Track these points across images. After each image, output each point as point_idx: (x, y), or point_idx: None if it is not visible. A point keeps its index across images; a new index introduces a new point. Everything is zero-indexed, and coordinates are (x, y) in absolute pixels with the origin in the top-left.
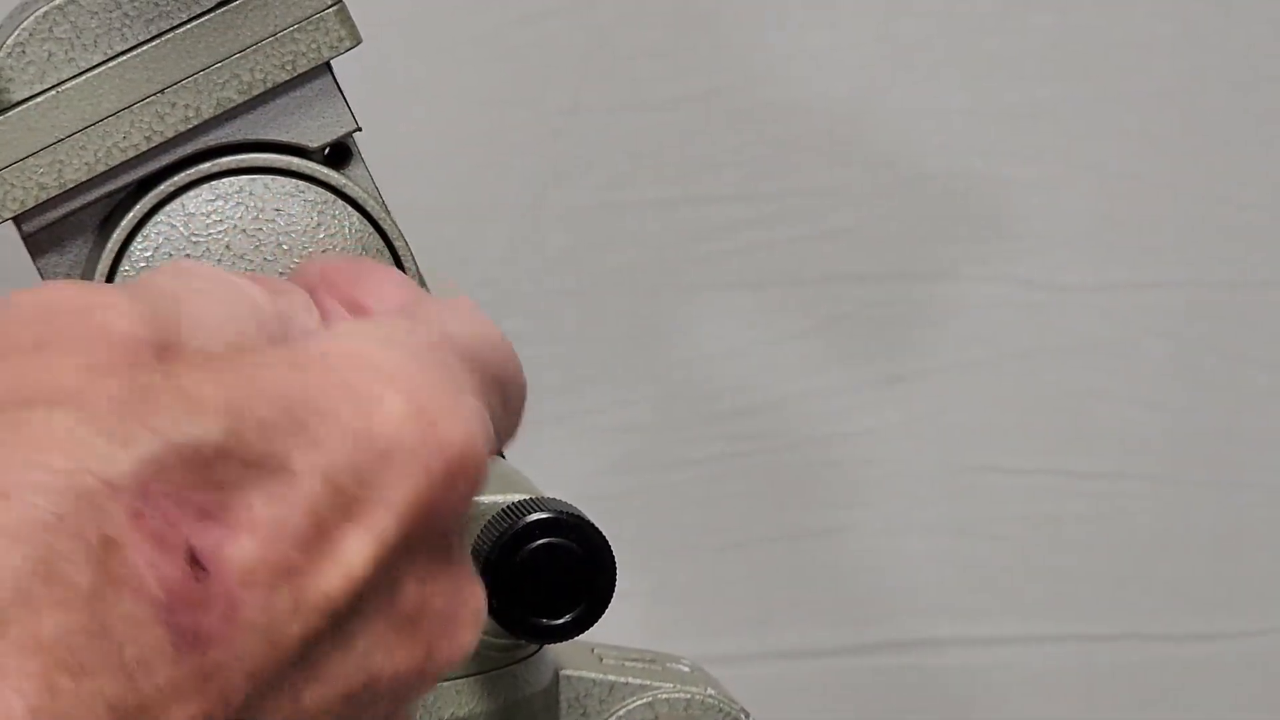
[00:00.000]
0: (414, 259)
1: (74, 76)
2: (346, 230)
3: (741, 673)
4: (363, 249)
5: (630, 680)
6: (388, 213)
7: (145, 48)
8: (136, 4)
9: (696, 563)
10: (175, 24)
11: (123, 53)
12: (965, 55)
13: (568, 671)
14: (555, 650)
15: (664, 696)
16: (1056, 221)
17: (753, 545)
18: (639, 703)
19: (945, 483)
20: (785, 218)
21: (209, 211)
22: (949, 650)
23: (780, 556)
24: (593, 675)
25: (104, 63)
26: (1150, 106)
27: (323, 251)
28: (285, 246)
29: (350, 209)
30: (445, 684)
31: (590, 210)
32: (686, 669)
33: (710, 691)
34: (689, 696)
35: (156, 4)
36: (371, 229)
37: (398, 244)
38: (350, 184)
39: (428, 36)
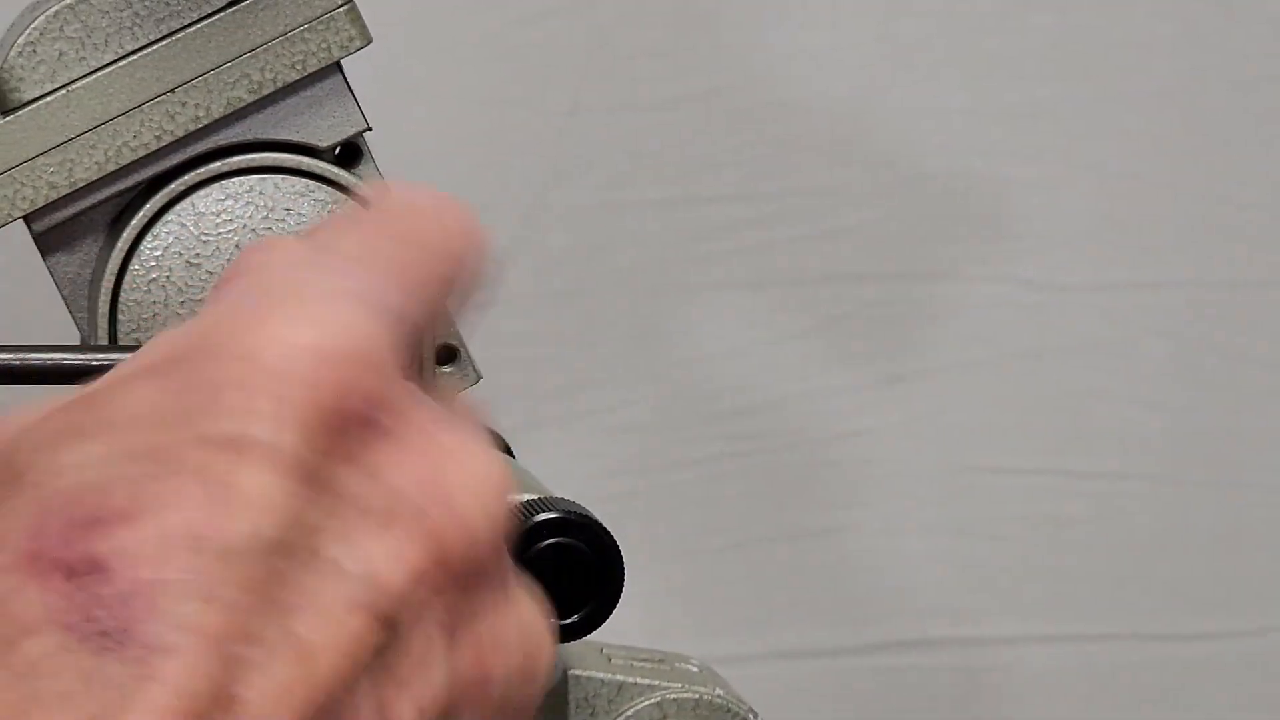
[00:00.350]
0: None
1: (84, 76)
2: None
3: (741, 673)
4: None
5: (639, 680)
6: None
7: (156, 47)
8: (147, 3)
9: (696, 563)
10: (186, 23)
11: (133, 52)
12: (965, 55)
13: (576, 671)
14: (563, 650)
15: (672, 697)
16: (1057, 221)
17: (752, 545)
18: (647, 703)
19: (945, 483)
20: (785, 218)
21: (219, 211)
22: (948, 650)
23: (780, 556)
24: (601, 675)
25: (114, 62)
26: (1151, 106)
27: None
28: None
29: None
30: None
31: (590, 210)
32: (695, 669)
33: (719, 691)
34: (697, 697)
35: (167, 3)
36: None
37: None
38: (361, 183)
39: (428, 37)
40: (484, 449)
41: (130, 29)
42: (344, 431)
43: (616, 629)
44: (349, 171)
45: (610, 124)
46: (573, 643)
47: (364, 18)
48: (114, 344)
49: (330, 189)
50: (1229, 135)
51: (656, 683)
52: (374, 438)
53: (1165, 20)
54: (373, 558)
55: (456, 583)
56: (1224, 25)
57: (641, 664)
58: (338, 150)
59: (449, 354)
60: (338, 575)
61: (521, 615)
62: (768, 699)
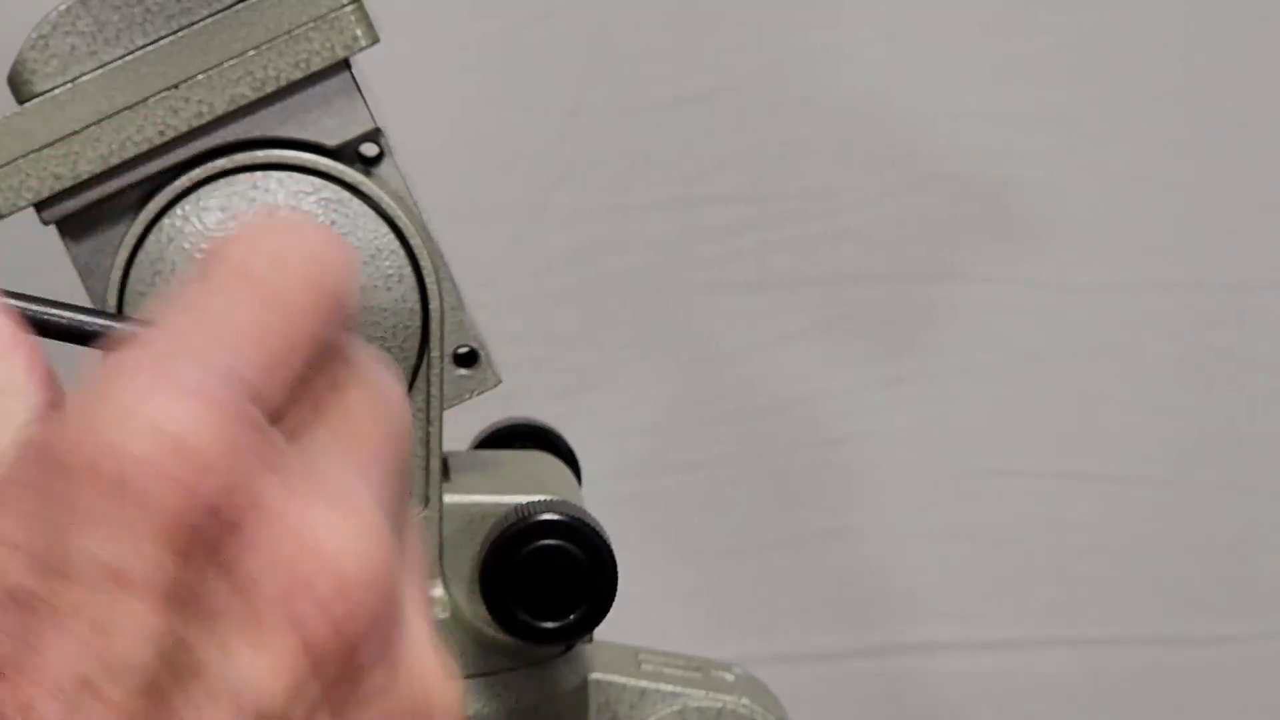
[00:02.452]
0: (431, 260)
1: (93, 70)
2: (360, 229)
3: None
4: (376, 249)
5: (662, 687)
6: (415, 213)
7: (162, 42)
8: (159, 0)
9: (699, 566)
10: (195, 19)
11: (142, 47)
12: (970, 56)
13: (598, 676)
14: (589, 653)
15: (694, 705)
16: (1062, 223)
17: (756, 548)
18: (669, 710)
19: (949, 485)
20: (789, 219)
21: (223, 206)
22: (953, 654)
23: (783, 559)
24: (623, 680)
25: (123, 57)
26: (1157, 108)
27: None
28: None
29: (366, 208)
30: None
31: (593, 212)
32: (731, 678)
33: (744, 701)
34: (720, 705)
35: (178, 1)
36: (389, 229)
37: (414, 244)
38: (366, 182)
39: (431, 38)
40: (348, 515)
41: (141, 25)
42: (200, 539)
43: (618, 633)
44: (369, 172)
45: (612, 125)
46: (604, 647)
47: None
48: (122, 313)
49: (337, 187)
50: (1236, 137)
51: (680, 690)
52: (231, 537)
53: (1172, 22)
54: (252, 668)
55: (339, 670)
56: (1231, 28)
57: (672, 671)
58: (359, 152)
59: (470, 357)
60: (223, 692)
61: (413, 673)
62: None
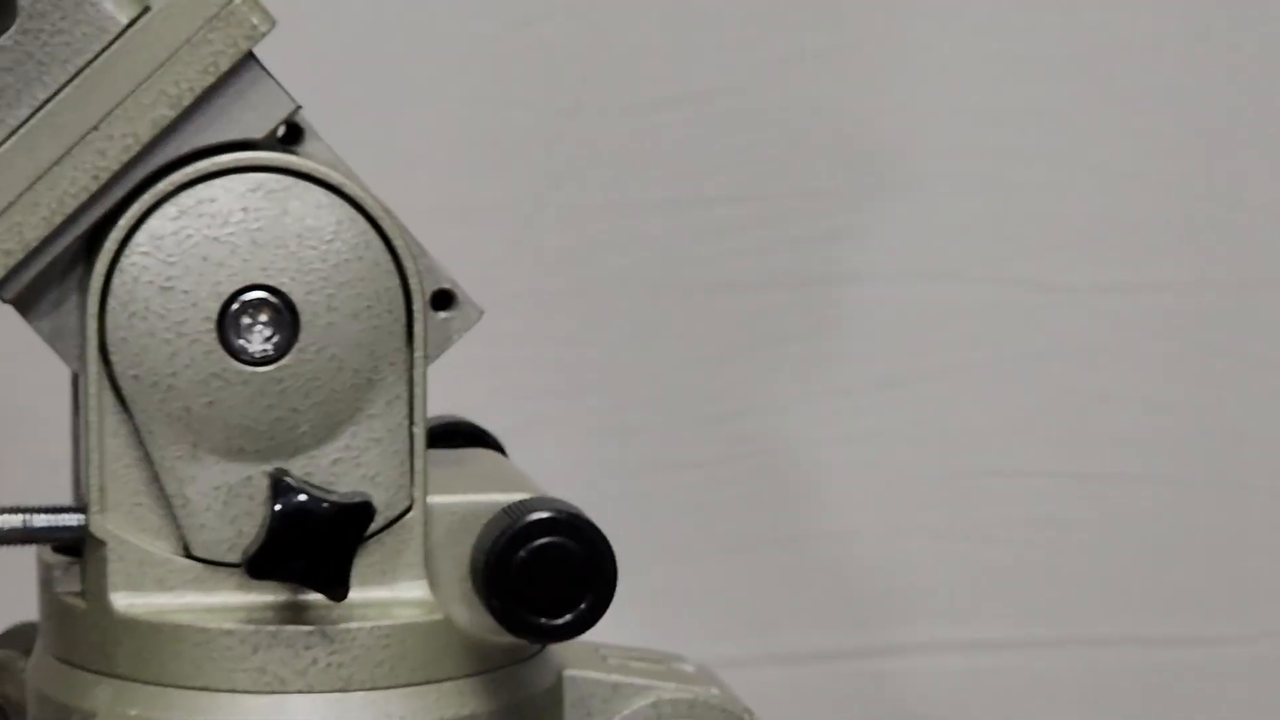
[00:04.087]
0: (391, 218)
1: (7, 138)
2: (313, 209)
3: (742, 677)
4: (336, 223)
5: (635, 681)
6: (357, 181)
7: (67, 89)
8: (48, 49)
9: (697, 566)
10: (90, 57)
11: (46, 101)
12: (967, 56)
13: (571, 672)
14: (559, 651)
15: (668, 697)
16: (1059, 223)
17: (753, 548)
18: (643, 703)
19: (946, 485)
20: (785, 218)
21: (176, 230)
22: (950, 654)
23: (780, 559)
24: (597, 676)
25: (32, 115)
26: (1153, 107)
27: (296, 237)
28: (260, 241)
29: (314, 187)
30: (446, 684)
31: (590, 211)
32: (691, 669)
33: (714, 691)
34: (693, 697)
35: (68, 44)
36: (340, 199)
37: (371, 209)
38: (305, 161)
39: (429, 38)
40: None
41: (39, 79)
42: None
43: (616, 632)
44: (296, 151)
45: (611, 125)
46: (568, 644)
47: (367, 20)
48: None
49: (280, 175)
50: (1232, 136)
51: (652, 683)
52: None
53: (1169, 21)
54: None
55: None
56: (1228, 26)
57: (638, 664)
58: (282, 134)
59: (446, 297)
60: None
61: None
62: (768, 703)
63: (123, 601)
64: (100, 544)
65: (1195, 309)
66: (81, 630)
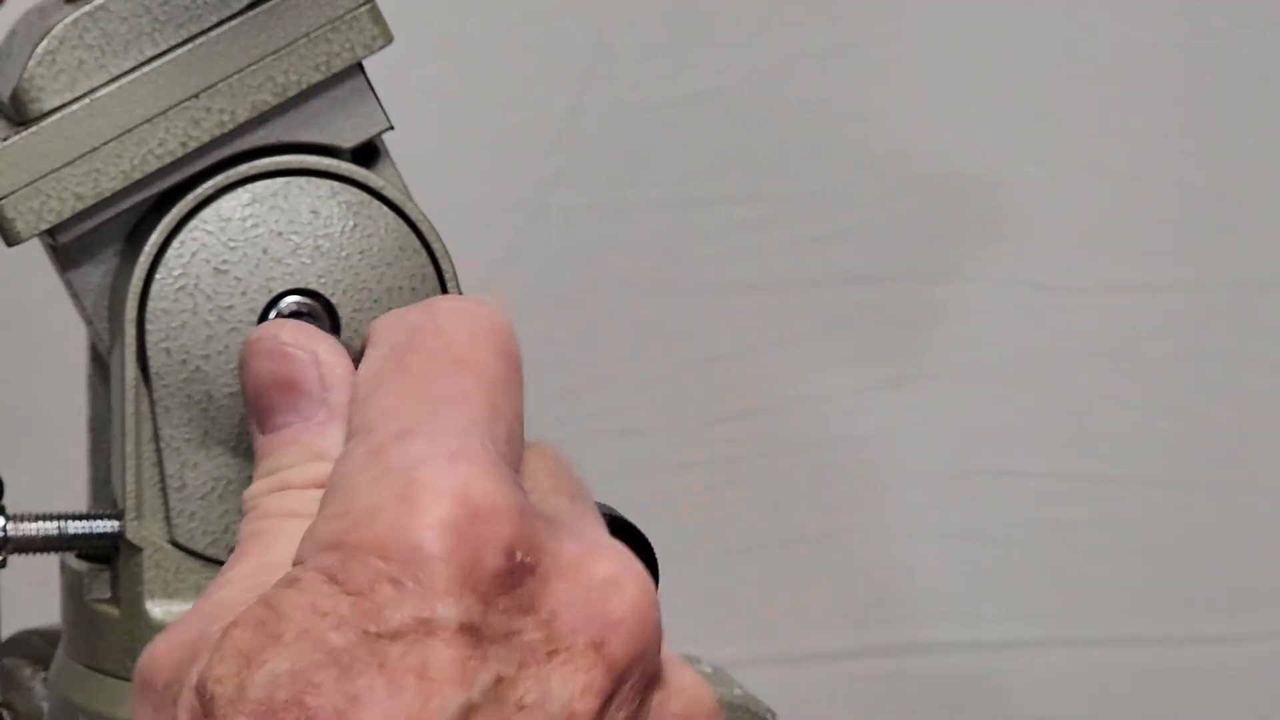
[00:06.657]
0: (450, 261)
1: (106, 83)
2: (383, 231)
3: (747, 677)
4: (399, 249)
5: None
6: (423, 213)
7: (178, 52)
8: (167, 8)
9: (701, 566)
10: (206, 27)
11: (154, 58)
12: (969, 55)
13: None
14: None
15: None
16: (1062, 223)
17: (758, 549)
18: None
19: (949, 486)
20: (789, 219)
21: (245, 216)
22: (954, 654)
23: (783, 560)
24: None
25: (136, 68)
26: (1156, 107)
27: (360, 253)
28: (323, 249)
29: (385, 209)
30: None
31: (592, 211)
32: (709, 670)
33: (737, 691)
34: (716, 697)
35: (187, 7)
36: (408, 229)
37: (435, 245)
38: (386, 185)
39: (430, 37)
40: (623, 559)
41: (150, 35)
42: (501, 585)
43: None
44: (369, 170)
45: (612, 125)
46: None
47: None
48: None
49: (356, 190)
50: (1234, 136)
51: None
52: (530, 580)
53: (1170, 21)
54: (566, 694)
55: (635, 693)
56: (1229, 26)
57: None
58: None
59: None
60: (543, 717)
61: (682, 684)
62: (774, 703)
63: (159, 610)
64: (136, 550)
65: (1195, 309)
66: (114, 638)
